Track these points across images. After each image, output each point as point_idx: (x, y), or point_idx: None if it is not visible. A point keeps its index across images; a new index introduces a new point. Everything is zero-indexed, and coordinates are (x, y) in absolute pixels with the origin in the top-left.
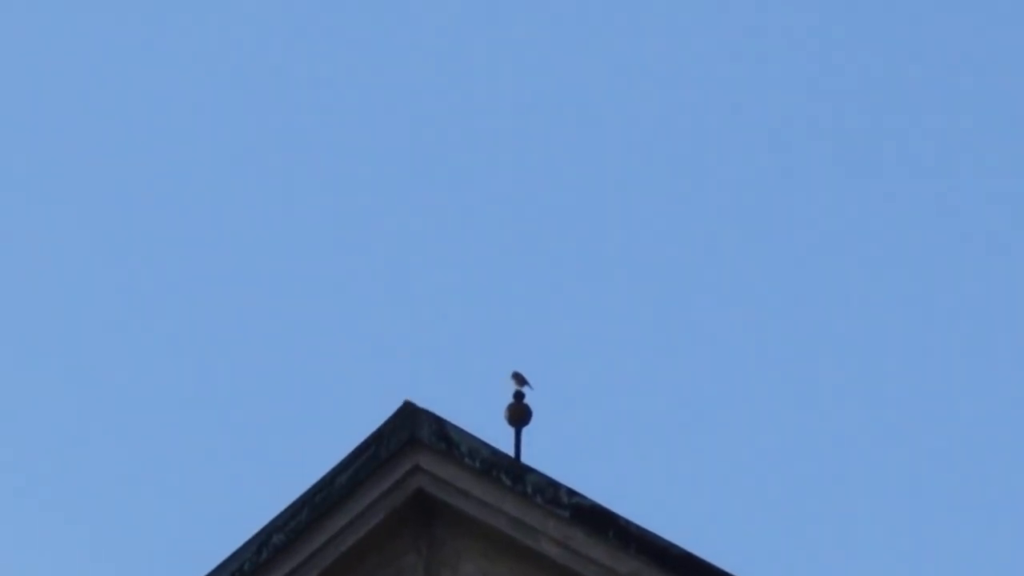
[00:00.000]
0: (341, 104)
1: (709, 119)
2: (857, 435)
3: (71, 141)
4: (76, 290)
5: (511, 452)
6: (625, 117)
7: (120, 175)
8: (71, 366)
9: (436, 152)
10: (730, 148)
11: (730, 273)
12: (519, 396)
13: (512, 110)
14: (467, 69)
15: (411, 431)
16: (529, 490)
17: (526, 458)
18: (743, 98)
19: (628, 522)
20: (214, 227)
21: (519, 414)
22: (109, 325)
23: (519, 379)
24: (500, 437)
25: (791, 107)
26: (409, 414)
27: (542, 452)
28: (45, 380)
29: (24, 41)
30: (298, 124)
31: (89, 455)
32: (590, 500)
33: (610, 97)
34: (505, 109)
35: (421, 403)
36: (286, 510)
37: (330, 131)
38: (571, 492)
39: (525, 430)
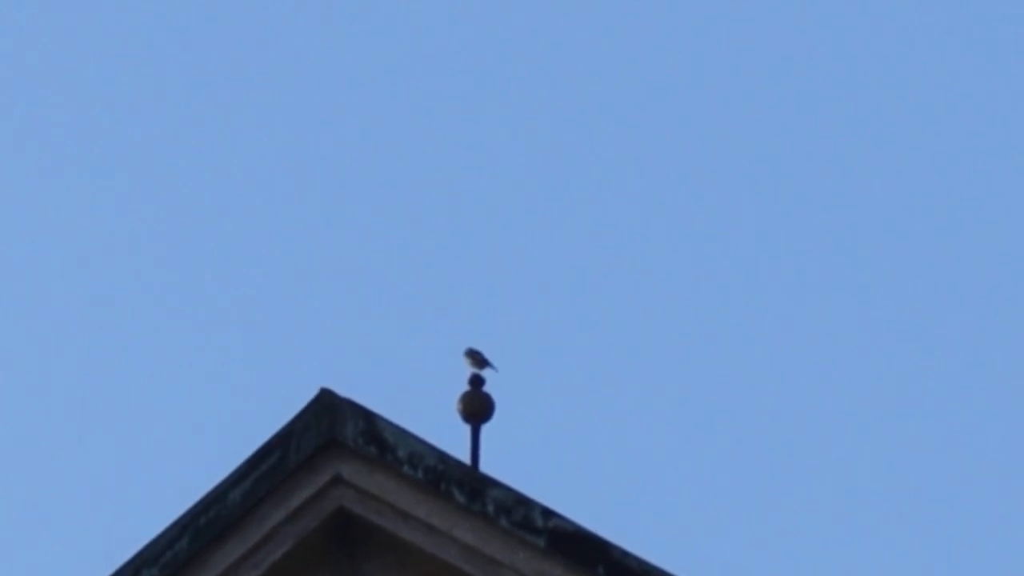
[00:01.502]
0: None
1: (705, 116)
2: (866, 445)
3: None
4: None
5: (466, 458)
6: (616, 113)
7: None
8: None
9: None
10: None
11: (730, 258)
12: (477, 382)
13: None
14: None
15: (330, 429)
16: (491, 509)
17: (486, 466)
18: (743, 97)
19: (625, 553)
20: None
21: (477, 406)
22: None
23: (476, 359)
24: (452, 437)
25: (791, 107)
26: (327, 406)
27: (508, 458)
28: None
29: (23, 41)
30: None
31: None
32: (573, 523)
33: (598, 89)
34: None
35: (344, 392)
36: (159, 537)
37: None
38: (548, 512)
39: (485, 427)
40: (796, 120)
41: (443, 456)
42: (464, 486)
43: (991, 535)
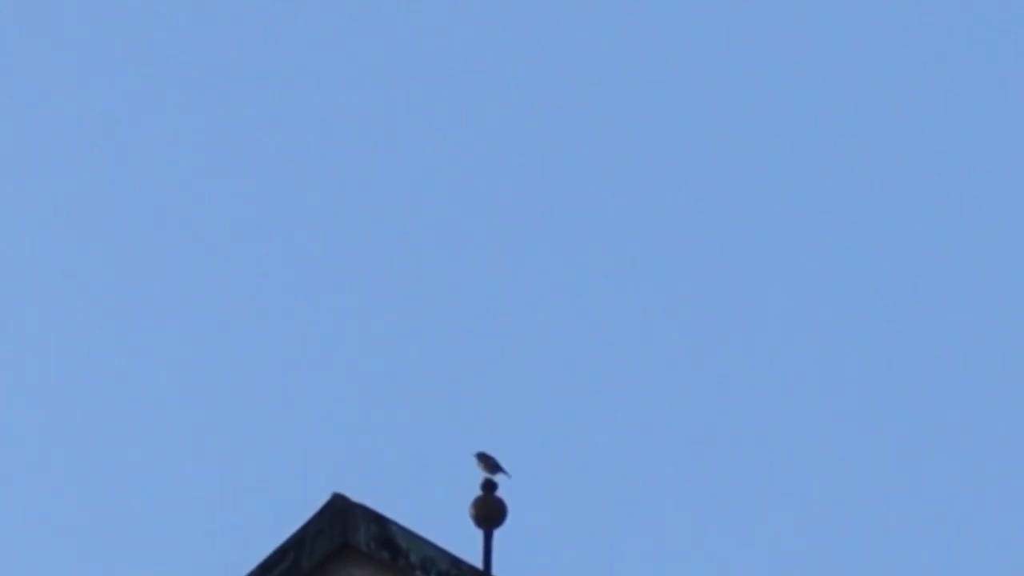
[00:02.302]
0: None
1: (705, 116)
2: (879, 499)
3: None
4: None
5: (479, 562)
6: (616, 114)
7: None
8: None
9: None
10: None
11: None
12: (489, 487)
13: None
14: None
15: (343, 534)
16: None
17: (499, 570)
18: (742, 95)
19: None
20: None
21: (489, 510)
22: None
23: (488, 464)
24: (465, 541)
25: (790, 106)
26: (340, 511)
27: (521, 563)
28: None
29: (22, 40)
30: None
31: None
32: None
33: (597, 92)
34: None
35: (356, 497)
36: None
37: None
38: None
39: (497, 532)
40: (795, 120)
41: (456, 561)
42: None
43: (990, 535)
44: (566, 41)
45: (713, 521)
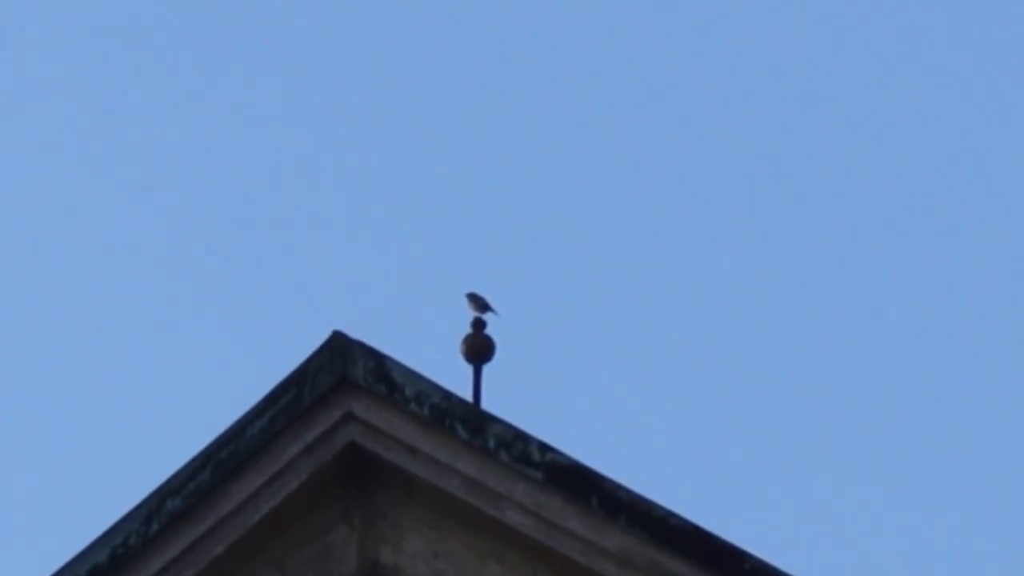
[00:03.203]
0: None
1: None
2: (865, 391)
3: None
4: None
5: (469, 396)
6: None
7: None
8: None
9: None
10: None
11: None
12: (479, 325)
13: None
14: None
15: (342, 369)
16: (492, 444)
17: (487, 403)
18: (742, 95)
19: (617, 486)
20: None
21: (479, 347)
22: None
23: (478, 303)
24: (456, 377)
25: (788, 106)
26: (339, 348)
27: (508, 396)
28: None
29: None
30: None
31: None
32: (569, 457)
33: (600, 85)
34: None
35: (355, 334)
36: (183, 469)
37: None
38: (545, 447)
39: (486, 367)
40: (796, 120)
41: (447, 394)
42: (466, 423)
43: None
44: (567, 40)
45: (701, 352)
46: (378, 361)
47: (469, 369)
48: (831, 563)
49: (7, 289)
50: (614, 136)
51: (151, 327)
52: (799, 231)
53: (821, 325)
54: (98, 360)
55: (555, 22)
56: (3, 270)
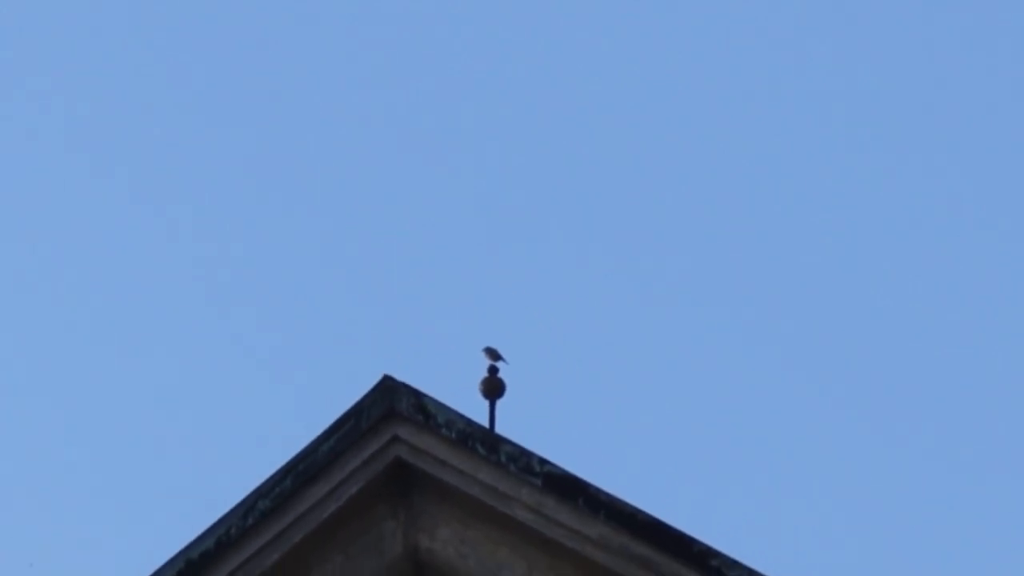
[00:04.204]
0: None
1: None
2: (845, 398)
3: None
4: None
5: (486, 424)
6: (618, 108)
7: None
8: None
9: (417, 125)
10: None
11: (715, 251)
12: (493, 370)
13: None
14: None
15: (390, 404)
16: (503, 459)
17: (500, 429)
18: (743, 94)
19: (597, 490)
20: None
21: (493, 387)
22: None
23: (492, 354)
24: (475, 410)
25: (791, 106)
26: (388, 388)
27: (516, 424)
28: None
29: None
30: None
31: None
32: (561, 469)
33: (603, 87)
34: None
35: (400, 377)
36: (271, 478)
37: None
38: (543, 461)
39: (499, 403)
40: (795, 120)
41: (470, 422)
42: (484, 443)
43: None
44: (566, 39)
45: (702, 365)
46: (417, 397)
47: (486, 404)
48: (784, 555)
49: (119, 316)
50: (614, 185)
51: (254, 373)
52: (795, 245)
53: (819, 326)
54: (211, 395)
55: (555, 22)
56: (113, 303)
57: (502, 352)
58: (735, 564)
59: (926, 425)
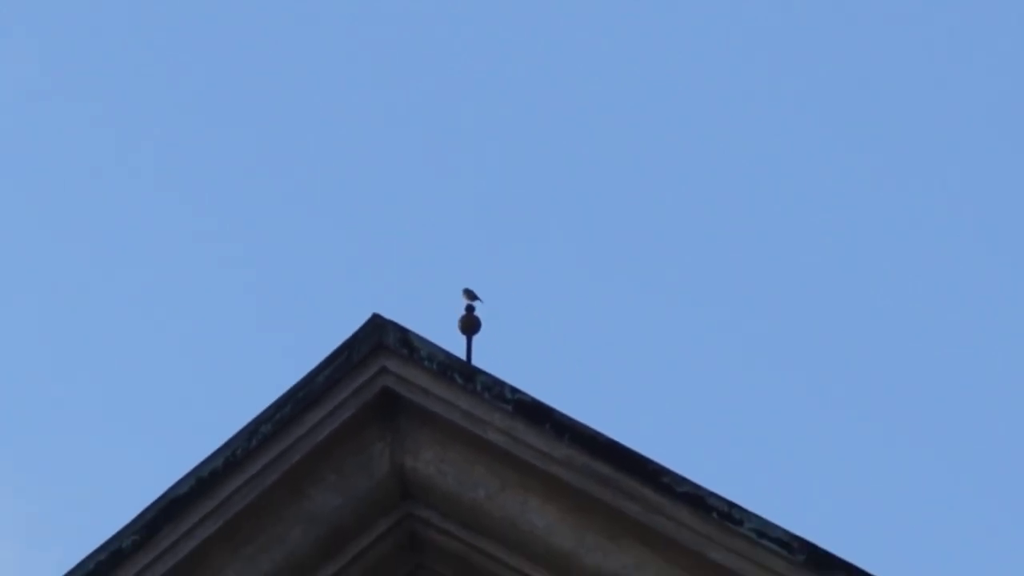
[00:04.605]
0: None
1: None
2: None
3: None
4: None
5: (464, 357)
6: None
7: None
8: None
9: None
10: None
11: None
12: (470, 309)
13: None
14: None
15: (379, 338)
16: (479, 388)
17: (476, 362)
18: (743, 94)
19: (562, 415)
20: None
21: (470, 324)
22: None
23: (470, 294)
24: (454, 344)
25: (791, 106)
26: (377, 324)
27: (490, 357)
28: None
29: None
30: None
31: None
32: (530, 396)
33: (605, 84)
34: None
35: (387, 315)
36: (273, 404)
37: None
38: (514, 390)
39: (475, 338)
40: (796, 120)
41: (449, 355)
42: (462, 374)
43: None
44: (566, 39)
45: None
46: (403, 333)
47: (464, 339)
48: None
49: (120, 290)
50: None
51: (253, 309)
52: (791, 245)
53: (816, 322)
54: (214, 328)
55: (555, 23)
56: (101, 270)
57: (478, 293)
58: (684, 480)
59: (926, 425)
